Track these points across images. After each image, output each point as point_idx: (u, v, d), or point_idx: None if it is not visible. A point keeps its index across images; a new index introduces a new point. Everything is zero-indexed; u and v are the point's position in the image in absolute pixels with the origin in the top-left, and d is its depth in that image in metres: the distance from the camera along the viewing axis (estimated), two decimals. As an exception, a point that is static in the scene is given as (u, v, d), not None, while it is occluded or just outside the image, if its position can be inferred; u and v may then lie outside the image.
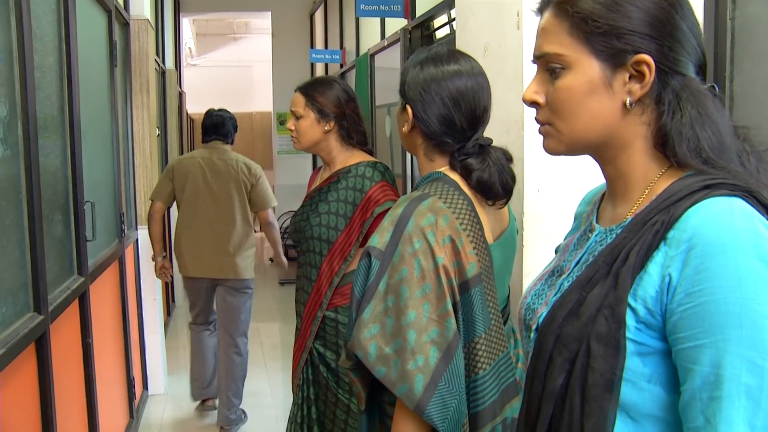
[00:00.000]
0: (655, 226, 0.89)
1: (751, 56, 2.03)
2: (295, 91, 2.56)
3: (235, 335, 4.04)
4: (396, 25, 5.14)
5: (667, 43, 0.93)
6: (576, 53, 0.95)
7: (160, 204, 3.98)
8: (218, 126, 4.07)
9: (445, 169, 1.51)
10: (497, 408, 1.40)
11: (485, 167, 1.49)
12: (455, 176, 1.49)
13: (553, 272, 1.10)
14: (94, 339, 2.93)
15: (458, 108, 1.48)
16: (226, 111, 4.18)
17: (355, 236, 2.34)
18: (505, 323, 1.58)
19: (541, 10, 1.02)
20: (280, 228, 8.69)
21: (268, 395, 4.91)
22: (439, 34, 4.60)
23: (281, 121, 9.79)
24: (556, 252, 1.19)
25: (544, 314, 1.01)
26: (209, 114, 4.14)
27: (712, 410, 0.81)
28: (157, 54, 6.15)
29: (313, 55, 8.00)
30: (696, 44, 0.96)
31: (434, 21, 4.58)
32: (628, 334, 0.88)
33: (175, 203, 4.06)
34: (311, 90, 2.50)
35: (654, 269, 0.88)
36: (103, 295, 3.35)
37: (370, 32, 6.22)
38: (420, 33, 4.75)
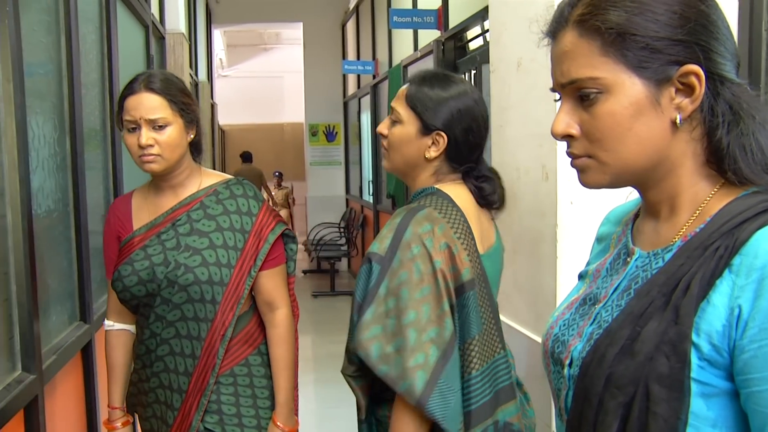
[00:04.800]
0: (717, 251, 0.80)
1: (786, 67, 2.03)
2: (140, 90, 1.79)
3: None
4: (429, 36, 5.18)
5: (710, 46, 0.83)
6: (613, 74, 0.83)
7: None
8: (248, 158, 10.93)
9: (439, 185, 1.57)
10: (489, 409, 1.46)
11: (494, 191, 1.61)
12: (449, 190, 1.55)
13: (585, 300, 0.98)
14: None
15: (485, 131, 1.60)
16: (248, 152, 11.12)
17: (247, 271, 1.81)
18: None
19: (554, 32, 0.90)
20: (313, 239, 8.86)
21: (300, 407, 4.93)
22: (473, 45, 4.63)
23: (313, 132, 9.89)
24: (580, 278, 1.09)
25: (579, 348, 0.91)
26: (244, 152, 11.05)
27: None
28: (191, 66, 6.25)
29: (346, 66, 8.07)
30: (732, 40, 0.86)
31: (467, 32, 4.61)
32: (691, 374, 0.78)
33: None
34: (169, 87, 1.80)
35: (719, 300, 0.78)
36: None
37: (403, 43, 6.26)
38: (453, 44, 4.78)
